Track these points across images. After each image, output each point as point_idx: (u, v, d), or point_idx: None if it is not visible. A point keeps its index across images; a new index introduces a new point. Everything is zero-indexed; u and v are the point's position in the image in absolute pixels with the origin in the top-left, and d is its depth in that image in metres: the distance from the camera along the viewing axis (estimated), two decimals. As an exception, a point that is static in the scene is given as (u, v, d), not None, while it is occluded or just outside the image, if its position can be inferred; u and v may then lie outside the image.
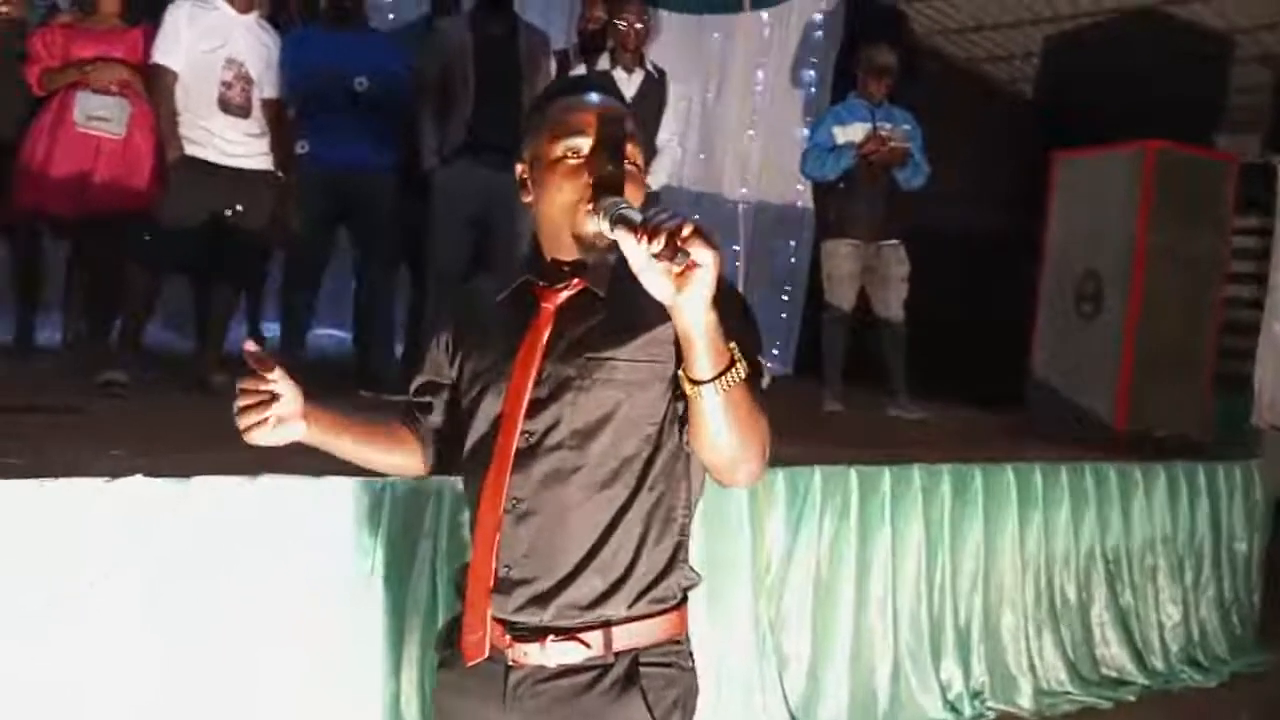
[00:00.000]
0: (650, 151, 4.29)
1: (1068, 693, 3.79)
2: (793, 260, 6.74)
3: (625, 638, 1.45)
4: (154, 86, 3.76)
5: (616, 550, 1.44)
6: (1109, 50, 6.39)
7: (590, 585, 1.43)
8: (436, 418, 1.64)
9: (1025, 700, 3.70)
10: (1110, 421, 4.51)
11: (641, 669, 1.45)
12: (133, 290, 3.75)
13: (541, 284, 1.49)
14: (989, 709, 3.62)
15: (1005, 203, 5.99)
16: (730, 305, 1.39)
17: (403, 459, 1.66)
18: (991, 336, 5.29)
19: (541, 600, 1.44)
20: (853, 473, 3.39)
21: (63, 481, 2.17)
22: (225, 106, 3.75)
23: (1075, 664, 3.88)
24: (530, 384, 1.44)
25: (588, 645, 1.44)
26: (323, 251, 4.10)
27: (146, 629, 2.22)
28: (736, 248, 6.69)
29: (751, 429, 1.30)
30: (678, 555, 1.50)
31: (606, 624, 1.44)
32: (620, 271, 1.36)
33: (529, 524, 1.44)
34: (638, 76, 4.27)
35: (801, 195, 6.49)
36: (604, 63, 4.30)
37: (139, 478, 2.24)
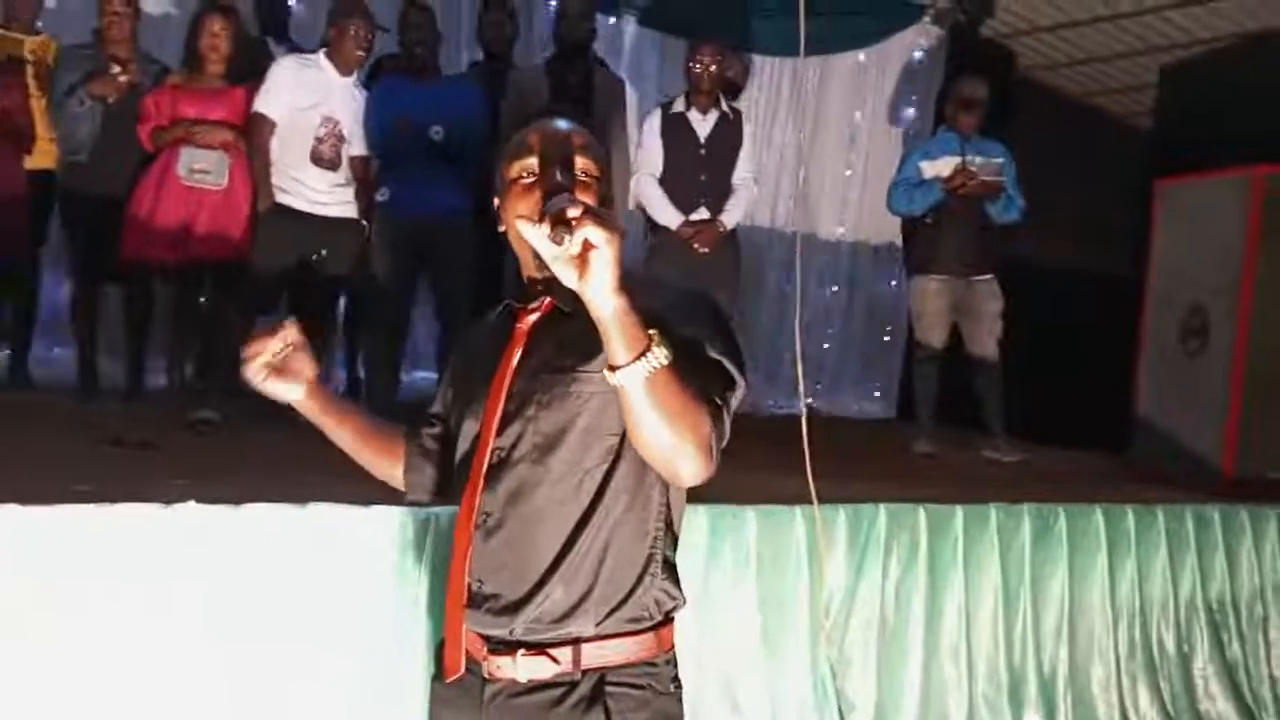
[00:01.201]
0: (725, 190, 4.32)
1: (1165, 749, 3.56)
2: (893, 301, 6.62)
3: (594, 655, 1.46)
4: (252, 134, 4.02)
5: (580, 563, 1.45)
6: (1225, 77, 6.10)
7: (554, 598, 1.45)
8: (430, 443, 1.72)
9: (1117, 755, 3.49)
10: (1218, 462, 4.25)
11: (608, 688, 1.46)
12: (228, 333, 3.97)
13: (519, 305, 1.54)
14: (1077, 764, 3.43)
15: (1112, 236, 5.77)
16: (698, 311, 1.46)
17: (389, 469, 1.75)
18: (1095, 374, 5.07)
19: (509, 613, 1.46)
20: (921, 511, 3.28)
21: (121, 506, 2.31)
22: (317, 160, 3.99)
23: (1175, 718, 3.63)
24: (501, 402, 1.49)
25: (556, 661, 1.46)
26: (405, 296, 4.24)
27: (195, 651, 2.32)
28: (835, 289, 6.63)
29: (683, 420, 1.29)
30: (649, 569, 1.50)
31: (576, 640, 1.46)
32: None
33: (497, 538, 1.48)
34: (712, 117, 4.31)
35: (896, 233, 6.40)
36: (679, 105, 4.35)
37: (192, 504, 2.36)
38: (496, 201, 1.58)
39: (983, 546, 3.36)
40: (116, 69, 4.20)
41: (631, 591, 1.48)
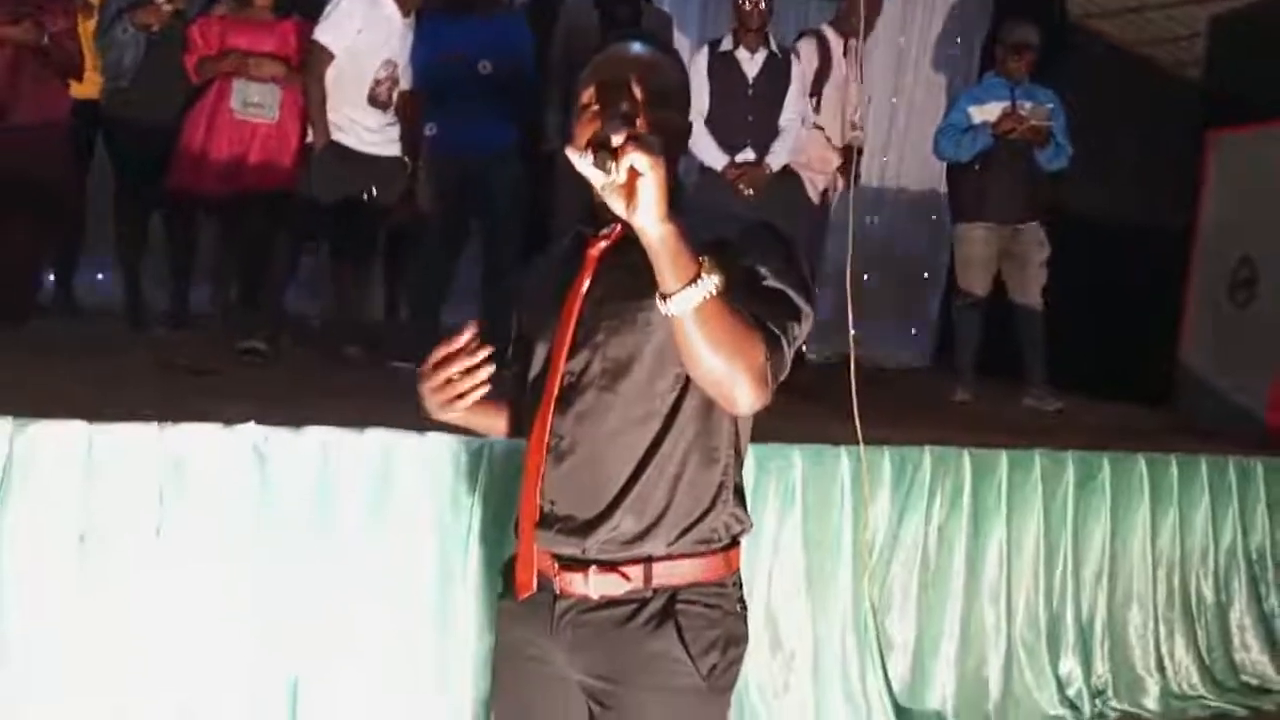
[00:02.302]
0: (772, 131, 4.28)
1: (1200, 697, 3.57)
2: (931, 247, 6.55)
3: (665, 574, 1.49)
4: (310, 64, 3.94)
5: (651, 488, 1.47)
6: (1275, 26, 5.95)
7: (626, 521, 1.47)
8: (518, 382, 1.70)
9: (1152, 702, 3.51)
10: (1262, 415, 4.22)
11: (679, 605, 1.49)
12: (276, 263, 4.01)
13: (589, 232, 1.55)
14: (1111, 709, 3.45)
15: (1160, 187, 5.67)
16: (764, 240, 1.45)
17: (501, 422, 1.75)
18: (1139, 325, 5.03)
19: (581, 533, 1.49)
20: (966, 455, 3.29)
21: (184, 425, 2.34)
22: (373, 101, 3.96)
23: (1210, 667, 3.65)
24: (571, 328, 1.50)
25: (628, 578, 1.48)
26: (452, 234, 4.24)
27: (252, 572, 2.36)
28: (873, 223, 6.53)
29: (736, 348, 1.29)
30: (721, 496, 1.52)
31: (648, 559, 1.48)
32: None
33: (569, 461, 1.50)
34: (760, 56, 4.26)
35: (940, 179, 6.31)
36: (727, 43, 4.30)
37: (252, 424, 2.39)
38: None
39: (1026, 492, 3.37)
40: None
41: (703, 515, 1.51)
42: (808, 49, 4.58)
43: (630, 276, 1.46)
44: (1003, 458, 3.32)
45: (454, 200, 4.12)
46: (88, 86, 4.41)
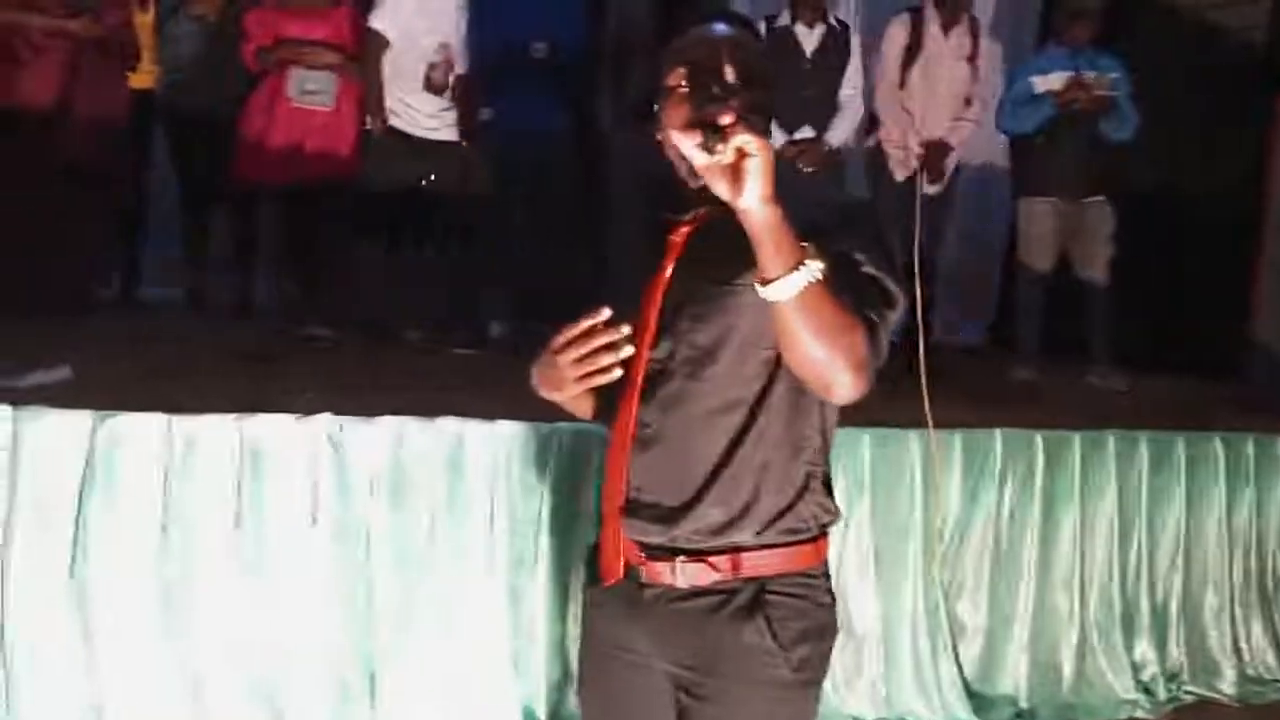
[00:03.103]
0: (831, 108, 4.21)
1: (1277, 680, 3.50)
2: (991, 221, 6.43)
3: (753, 564, 1.46)
4: (367, 51, 3.96)
5: (738, 476, 1.45)
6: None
7: (713, 509, 1.45)
8: None
9: (1228, 686, 3.44)
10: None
11: (768, 596, 1.46)
12: (336, 252, 4.03)
13: (673, 217, 1.53)
14: (1187, 693, 3.39)
15: (1228, 155, 5.51)
16: (854, 224, 1.44)
17: (587, 405, 1.67)
18: (1208, 301, 4.89)
19: (669, 521, 1.47)
20: (1039, 438, 3.23)
21: (260, 416, 2.36)
22: (429, 85, 3.95)
23: (1288, 651, 3.57)
24: (655, 314, 1.48)
25: (716, 569, 1.46)
26: (510, 217, 4.22)
27: (326, 558, 2.39)
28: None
29: (837, 336, 1.26)
30: (809, 485, 1.49)
31: (736, 549, 1.46)
32: None
33: (655, 448, 1.48)
34: (819, 30, 4.18)
35: (999, 153, 6.18)
36: (784, 18, 4.23)
37: (327, 415, 2.40)
38: (655, 107, 1.55)
39: (1099, 474, 3.31)
40: None
41: (791, 504, 1.48)
42: (898, 29, 4.48)
43: (715, 261, 1.43)
44: (1075, 440, 3.26)
45: (511, 183, 4.10)
46: (144, 78, 4.46)
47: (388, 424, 2.45)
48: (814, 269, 1.22)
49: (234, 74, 4.21)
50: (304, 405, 2.43)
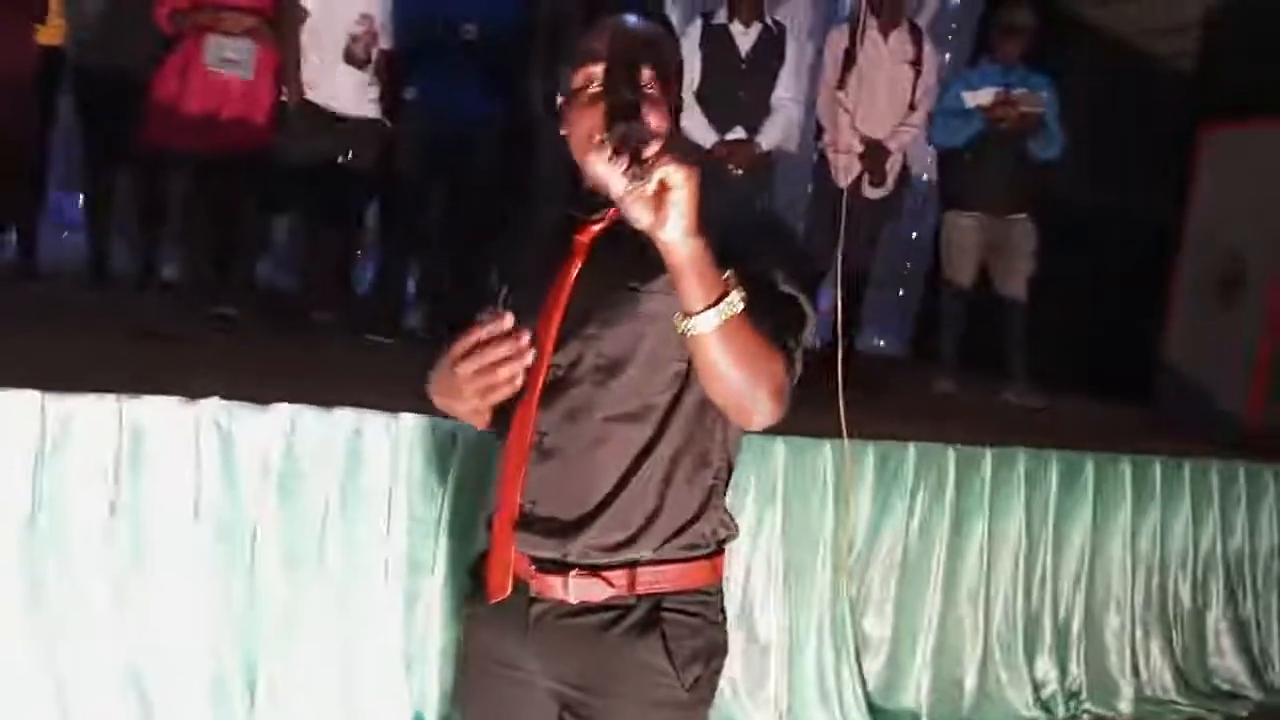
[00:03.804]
0: (764, 110, 4.17)
1: (1174, 702, 3.55)
2: (913, 235, 6.48)
3: (650, 580, 1.41)
4: (285, 20, 3.81)
5: (641, 491, 1.39)
6: (1270, 20, 5.90)
7: (612, 524, 1.39)
8: None
9: (1126, 705, 3.49)
10: (1243, 416, 4.19)
11: (664, 614, 1.41)
12: (247, 227, 3.87)
13: (579, 217, 1.45)
14: (1085, 711, 3.43)
15: (1147, 180, 5.61)
16: (767, 235, 1.39)
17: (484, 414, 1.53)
18: (1121, 321, 4.98)
19: (564, 535, 1.40)
20: (951, 452, 3.23)
21: (145, 398, 2.23)
22: (349, 58, 3.81)
23: (1185, 673, 3.63)
24: (559, 318, 1.41)
25: (611, 584, 1.40)
26: (430, 201, 4.10)
27: (210, 552, 2.27)
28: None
29: (757, 366, 1.23)
30: (710, 501, 1.45)
31: (632, 564, 1.40)
32: None
33: (552, 459, 1.41)
34: (755, 30, 4.14)
35: (927, 167, 6.22)
36: (721, 15, 4.18)
37: (216, 399, 2.28)
38: (561, 101, 1.48)
39: (1009, 490, 3.32)
40: None
41: (693, 520, 1.43)
42: (837, 35, 4.49)
43: (625, 265, 1.37)
44: (987, 455, 3.27)
45: (432, 165, 3.98)
46: (52, 33, 4.24)
47: (281, 411, 2.33)
48: (735, 301, 1.17)
49: (146, 35, 4.02)
50: (196, 388, 2.30)
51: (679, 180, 1.09)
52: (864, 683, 3.12)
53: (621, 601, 1.40)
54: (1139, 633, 3.57)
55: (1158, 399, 4.66)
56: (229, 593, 2.28)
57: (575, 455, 1.40)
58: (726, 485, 1.49)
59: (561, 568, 1.41)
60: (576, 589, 1.40)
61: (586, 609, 1.41)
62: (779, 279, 1.34)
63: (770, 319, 1.27)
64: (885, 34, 4.45)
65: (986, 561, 3.28)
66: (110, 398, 2.18)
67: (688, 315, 1.18)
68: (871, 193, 4.49)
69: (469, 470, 2.51)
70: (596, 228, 1.44)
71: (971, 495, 3.25)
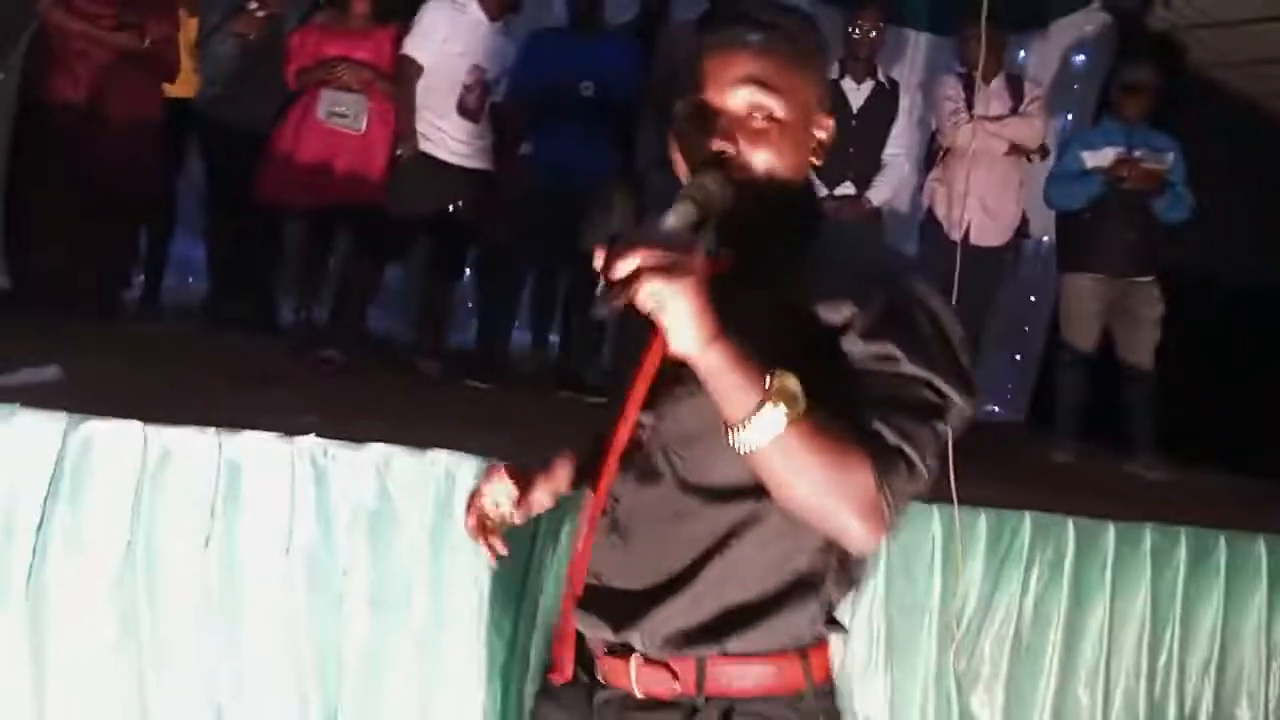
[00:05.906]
0: (874, 165, 4.09)
1: (1311, 805, 3.25)
2: (1031, 298, 6.25)
3: (721, 679, 1.22)
4: (400, 77, 3.95)
5: (722, 577, 1.21)
6: None
7: (682, 608, 1.22)
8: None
9: (1258, 806, 3.20)
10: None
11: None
12: (359, 276, 3.96)
13: None
14: (1213, 811, 3.15)
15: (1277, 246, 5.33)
16: (902, 300, 1.16)
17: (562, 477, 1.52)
18: (1257, 392, 4.68)
19: (629, 619, 1.25)
20: (1070, 524, 3.04)
21: (243, 434, 2.24)
22: (462, 109, 3.90)
23: (1325, 776, 3.32)
24: (650, 374, 1.24)
25: (676, 677, 1.23)
26: (537, 257, 4.11)
27: (297, 585, 2.25)
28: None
29: (830, 479, 1.04)
30: (802, 595, 1.23)
31: (702, 659, 1.22)
32: (778, 249, 1.22)
33: (623, 531, 1.26)
34: (867, 87, 4.10)
35: (1047, 228, 6.03)
36: (833, 72, 4.13)
37: (312, 437, 2.28)
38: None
39: (1133, 568, 3.10)
40: (254, 4, 4.18)
41: (776, 614, 1.22)
42: (953, 88, 4.39)
43: (727, 320, 1.10)
44: (1110, 529, 3.06)
45: (542, 222, 4.00)
46: (183, 86, 4.43)
47: (375, 451, 2.32)
48: (778, 416, 1.01)
49: (275, 90, 4.18)
50: (294, 426, 2.31)
51: (663, 298, 0.98)
52: (971, 766, 2.92)
53: (689, 700, 1.22)
54: (1276, 729, 3.28)
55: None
56: (315, 631, 2.25)
57: (647, 529, 1.24)
58: (834, 591, 1.26)
59: (629, 653, 1.25)
60: (641, 679, 1.24)
61: (651, 704, 1.24)
62: (904, 354, 1.11)
63: (876, 400, 1.09)
64: (987, 80, 4.34)
65: (1107, 643, 3.06)
66: (210, 431, 2.20)
67: (729, 429, 1.04)
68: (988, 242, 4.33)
69: (563, 521, 2.45)
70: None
71: (1093, 571, 3.05)
